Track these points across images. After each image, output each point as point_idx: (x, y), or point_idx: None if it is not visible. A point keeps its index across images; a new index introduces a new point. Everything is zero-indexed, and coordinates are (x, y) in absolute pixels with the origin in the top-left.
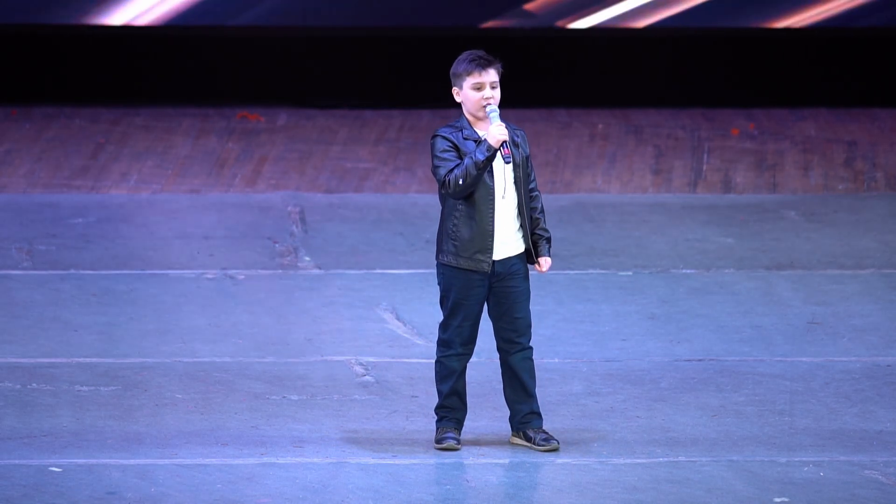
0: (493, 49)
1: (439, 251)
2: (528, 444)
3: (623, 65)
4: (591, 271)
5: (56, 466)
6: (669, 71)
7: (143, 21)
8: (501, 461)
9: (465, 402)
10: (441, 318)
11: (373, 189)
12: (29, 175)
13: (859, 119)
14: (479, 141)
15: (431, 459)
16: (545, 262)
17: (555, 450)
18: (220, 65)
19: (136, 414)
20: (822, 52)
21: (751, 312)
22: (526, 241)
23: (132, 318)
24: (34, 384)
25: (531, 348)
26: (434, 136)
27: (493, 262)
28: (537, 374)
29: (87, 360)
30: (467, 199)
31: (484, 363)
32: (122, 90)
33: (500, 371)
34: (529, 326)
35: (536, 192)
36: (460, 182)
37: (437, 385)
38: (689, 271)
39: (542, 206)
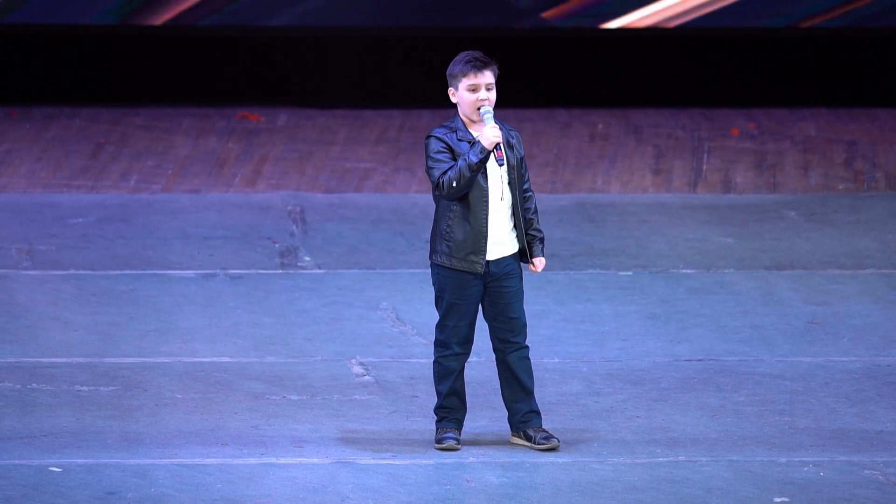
0: (493, 49)
1: (433, 251)
2: (529, 444)
3: (623, 65)
4: (591, 271)
5: (56, 466)
6: (669, 71)
7: (144, 21)
8: (501, 461)
9: (465, 402)
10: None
11: (373, 189)
12: (29, 175)
13: (859, 119)
14: (472, 142)
15: (431, 459)
16: (539, 263)
17: (555, 448)
18: (220, 65)
19: (136, 414)
20: (822, 52)
21: (751, 312)
22: (520, 241)
23: (132, 318)
24: (34, 384)
25: (527, 347)
26: (428, 137)
27: (488, 262)
28: (536, 373)
29: (87, 360)
30: (461, 199)
31: (483, 363)
32: (122, 90)
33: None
34: (525, 326)
35: (530, 193)
36: (454, 184)
37: (435, 385)
38: (689, 271)
39: (535, 206)
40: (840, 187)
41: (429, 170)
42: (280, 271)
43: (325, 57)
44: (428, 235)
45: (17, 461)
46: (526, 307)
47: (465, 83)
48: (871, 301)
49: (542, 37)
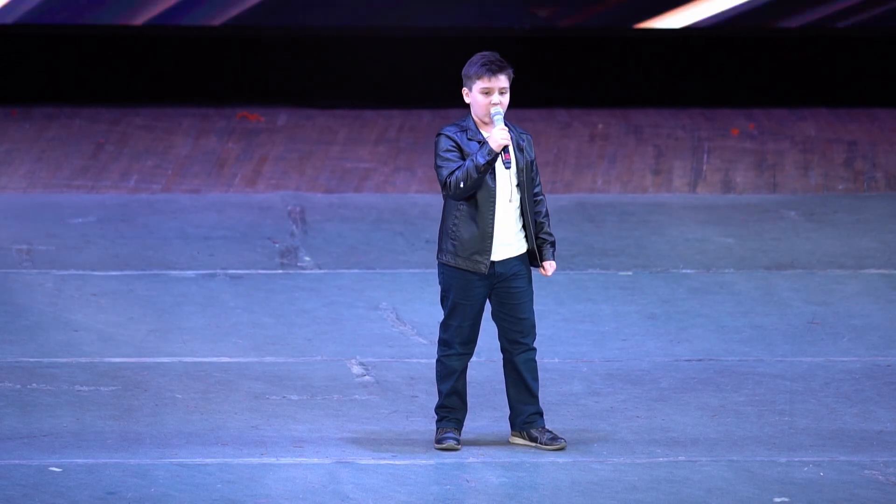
0: (493, 49)
1: (440, 250)
2: (534, 444)
3: (623, 65)
4: (591, 271)
5: (56, 466)
6: (669, 71)
7: (143, 21)
8: (501, 461)
9: (466, 402)
10: (441, 317)
11: (373, 189)
12: (29, 175)
13: (859, 119)
14: (482, 143)
15: (431, 459)
16: (550, 266)
17: (562, 448)
18: (220, 65)
19: (136, 414)
20: (822, 52)
21: (751, 312)
22: (529, 243)
23: (132, 318)
24: (34, 384)
25: (535, 349)
26: (438, 135)
27: (493, 262)
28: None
29: (87, 360)
30: (468, 199)
31: (484, 363)
32: (122, 90)
33: (500, 371)
34: (534, 327)
35: (541, 197)
36: (461, 185)
37: (437, 384)
38: (689, 271)
39: (546, 210)
40: (840, 187)
41: (437, 168)
42: (280, 271)
43: (325, 57)
44: (428, 235)
45: (17, 461)
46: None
47: (479, 85)
48: (871, 301)
49: (542, 37)
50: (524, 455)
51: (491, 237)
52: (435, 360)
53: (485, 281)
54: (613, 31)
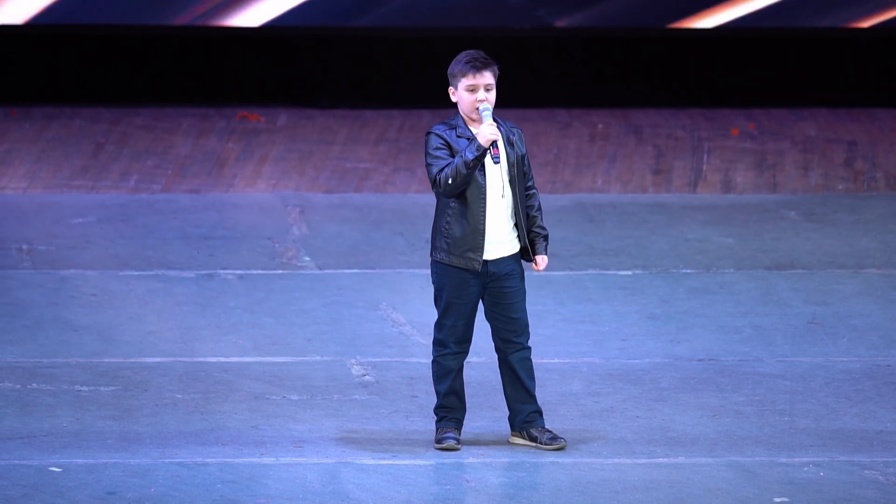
0: (493, 49)
1: (433, 248)
2: (534, 444)
3: (623, 65)
4: (591, 271)
5: (56, 466)
6: (669, 71)
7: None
8: (501, 461)
9: (464, 402)
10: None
11: (373, 189)
12: (29, 175)
13: (859, 119)
14: (471, 139)
15: (431, 459)
16: (542, 261)
17: (562, 448)
18: (220, 65)
19: (136, 414)
20: (822, 52)
21: (751, 312)
22: (522, 240)
23: (132, 318)
24: (34, 384)
25: (529, 348)
26: (428, 134)
27: (486, 261)
28: (537, 373)
29: (87, 360)
30: (459, 197)
31: (483, 363)
32: (122, 90)
33: (498, 371)
34: (527, 326)
35: (534, 191)
36: (450, 181)
37: (434, 385)
38: (689, 271)
39: (539, 203)
40: (840, 187)
41: (427, 166)
42: (280, 271)
43: (325, 57)
44: (428, 235)
45: (17, 461)
46: (526, 307)
47: (464, 83)
48: (871, 301)
49: (542, 37)
50: (524, 455)
51: (483, 234)
52: (431, 361)
53: (478, 279)
54: (614, 31)
